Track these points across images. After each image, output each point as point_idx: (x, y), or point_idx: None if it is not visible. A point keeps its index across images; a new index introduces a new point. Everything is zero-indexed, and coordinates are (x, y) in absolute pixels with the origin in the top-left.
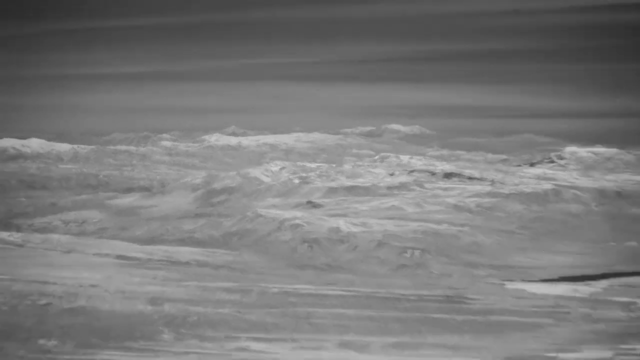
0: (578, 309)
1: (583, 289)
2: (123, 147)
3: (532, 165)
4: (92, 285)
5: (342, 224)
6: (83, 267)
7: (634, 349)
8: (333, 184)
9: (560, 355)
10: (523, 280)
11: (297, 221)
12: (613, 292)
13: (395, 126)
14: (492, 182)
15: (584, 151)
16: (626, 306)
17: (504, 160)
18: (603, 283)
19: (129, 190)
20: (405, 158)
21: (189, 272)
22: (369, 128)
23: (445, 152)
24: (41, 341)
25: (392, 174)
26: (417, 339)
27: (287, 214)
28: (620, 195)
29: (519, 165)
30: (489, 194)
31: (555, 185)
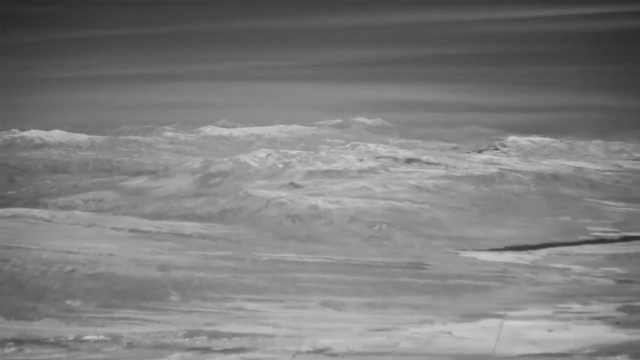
0: (522, 274)
1: (526, 257)
2: (132, 137)
3: (479, 152)
4: (110, 254)
5: (320, 202)
6: (101, 239)
7: (570, 308)
8: (311, 168)
9: (508, 313)
10: (474, 250)
11: (281, 200)
12: (551, 259)
13: (360, 119)
14: (446, 166)
15: (523, 140)
16: (562, 271)
17: (455, 148)
18: (542, 252)
19: (137, 173)
20: (372, 146)
21: (191, 243)
22: (338, 121)
23: (404, 141)
24: (68, 301)
25: (361, 160)
26: (386, 300)
27: (273, 194)
28: (555, 177)
29: (468, 152)
30: (444, 177)
31: (500, 169)
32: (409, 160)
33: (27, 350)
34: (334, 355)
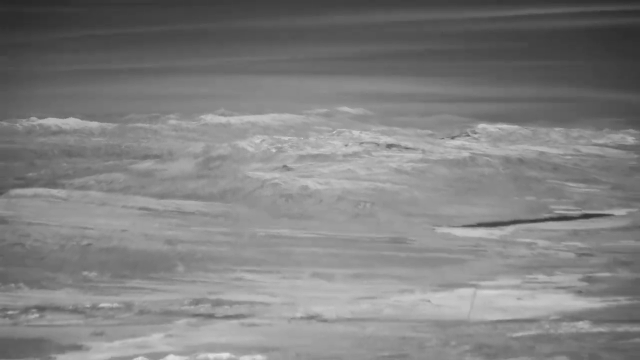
0: (493, 247)
1: (496, 233)
2: (139, 125)
3: (452, 138)
4: (122, 230)
5: (310, 183)
6: (114, 216)
7: (536, 278)
8: (302, 152)
9: (480, 283)
10: (449, 226)
11: (275, 181)
12: (518, 235)
13: (344, 108)
14: (423, 151)
15: (492, 127)
16: (529, 245)
17: (430, 135)
18: (510, 228)
19: (145, 157)
20: (356, 133)
21: (194, 220)
22: (324, 110)
23: (384, 128)
24: (84, 272)
25: (346, 145)
26: (371, 271)
27: (268, 175)
28: (520, 161)
29: (442, 138)
30: (421, 160)
31: (472, 153)
32: (389, 146)
33: (48, 316)
34: (325, 321)
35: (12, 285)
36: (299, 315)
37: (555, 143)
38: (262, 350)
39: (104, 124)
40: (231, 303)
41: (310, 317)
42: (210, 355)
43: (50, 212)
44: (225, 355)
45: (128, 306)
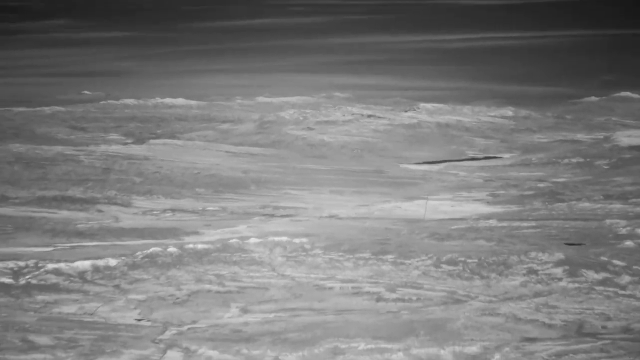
0: (433, 176)
1: (434, 167)
2: (220, 102)
3: (405, 112)
4: (216, 164)
5: (325, 137)
6: (210, 156)
7: (461, 194)
8: (318, 119)
9: (429, 196)
10: (407, 163)
11: (304, 136)
12: (448, 168)
13: (337, 94)
14: (389, 119)
15: (428, 105)
16: (454, 175)
17: (392, 110)
18: (443, 165)
19: (224, 121)
20: (348, 108)
21: (258, 159)
22: (326, 94)
23: (364, 105)
24: (197, 189)
25: (344, 115)
26: (364, 190)
27: (299, 133)
28: (447, 125)
29: (400, 112)
30: (388, 124)
31: (417, 120)
32: (369, 116)
33: (177, 215)
34: (340, 218)
35: (154, 196)
36: (324, 215)
37: (466, 115)
38: (304, 235)
39: (199, 102)
40: (284, 208)
41: (331, 217)
42: (275, 238)
43: (173, 153)
44: (285, 238)
45: (224, 209)
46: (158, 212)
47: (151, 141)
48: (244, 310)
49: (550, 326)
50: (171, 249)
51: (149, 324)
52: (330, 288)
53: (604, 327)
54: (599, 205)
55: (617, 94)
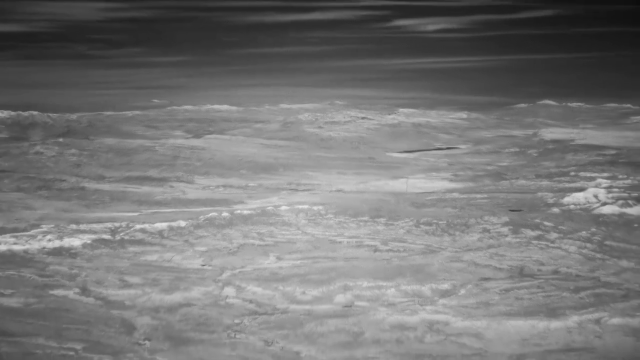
0: (411, 161)
1: (411, 155)
2: (253, 108)
3: (389, 114)
4: (254, 153)
5: (332, 134)
6: (250, 147)
7: (432, 174)
8: (326, 120)
9: (408, 176)
10: (392, 152)
11: (316, 132)
12: (421, 156)
13: (338, 102)
14: (378, 121)
15: (405, 110)
16: (426, 160)
17: (379, 113)
18: (417, 153)
19: (257, 122)
20: (347, 112)
21: (284, 149)
22: (329, 102)
23: (358, 110)
24: (241, 171)
25: (344, 118)
26: (362, 171)
27: (312, 130)
28: (419, 124)
29: (384, 115)
30: (377, 124)
31: (398, 121)
32: (362, 118)
33: (227, 190)
34: (345, 192)
35: (210, 176)
36: (333, 189)
37: (433, 117)
38: (320, 204)
39: (239, 108)
40: (304, 184)
41: (338, 190)
42: (299, 206)
43: (222, 145)
44: (306, 206)
45: (260, 185)
46: (213, 187)
47: (206, 136)
48: (279, 258)
49: (500, 269)
50: (224, 214)
51: (210, 268)
52: (340, 242)
53: (539, 270)
54: (532, 182)
55: (540, 102)
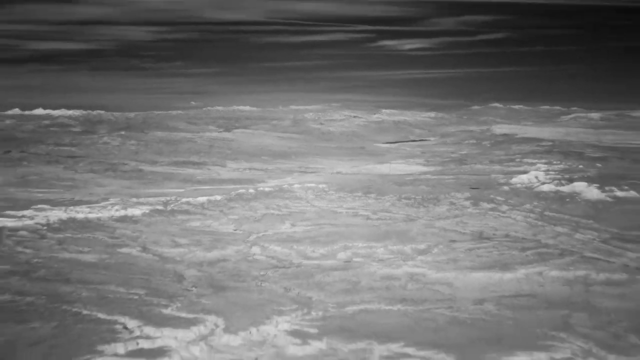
0: (392, 151)
1: (393, 146)
2: (270, 109)
3: (374, 114)
4: (272, 144)
5: (331, 129)
6: (269, 139)
7: (409, 160)
8: (326, 119)
9: (391, 161)
10: (377, 143)
11: (319, 128)
12: (399, 147)
13: (334, 104)
14: (365, 119)
15: (386, 111)
16: (404, 150)
17: (367, 112)
18: (396, 144)
19: (272, 120)
20: (342, 112)
21: (296, 140)
22: (327, 104)
23: (350, 110)
24: (262, 157)
25: (340, 116)
26: (354, 157)
27: (316, 126)
28: (398, 122)
29: (370, 114)
30: (365, 122)
31: (381, 119)
32: (354, 117)
33: (251, 172)
34: (343, 174)
35: (239, 161)
36: (334, 172)
37: (409, 116)
38: (324, 183)
39: (259, 108)
40: (312, 168)
41: (337, 173)
42: (308, 184)
43: (247, 137)
44: (313, 184)
45: (278, 168)
46: (241, 169)
47: (234, 130)
48: (293, 225)
49: (463, 234)
50: (250, 190)
51: (240, 232)
52: (340, 212)
53: (494, 234)
54: (486, 167)
55: (491, 105)
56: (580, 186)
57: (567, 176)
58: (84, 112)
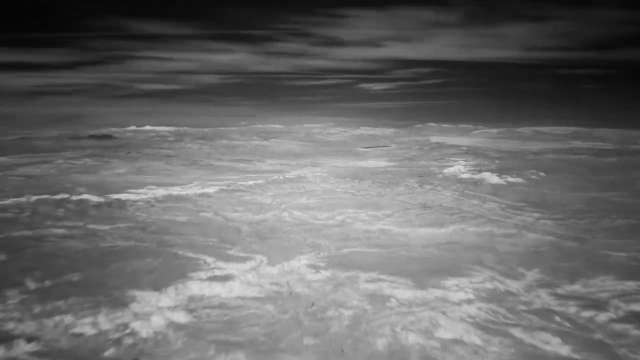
0: (377, 151)
1: (380, 149)
2: (297, 126)
3: (356, 130)
4: (289, 147)
5: (330, 138)
6: (285, 141)
7: (382, 158)
8: (328, 132)
9: (369, 159)
10: (360, 148)
11: (322, 137)
12: (377, 150)
13: (330, 123)
14: (353, 132)
15: (368, 129)
16: (381, 150)
17: (356, 129)
18: (380, 148)
19: (289, 133)
20: (337, 129)
21: (306, 145)
22: (326, 124)
23: (342, 127)
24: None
25: (337, 132)
26: (349, 158)
27: (321, 137)
28: (375, 136)
29: (356, 129)
30: (355, 134)
31: (362, 133)
32: (344, 132)
33: (281, 165)
34: (339, 167)
35: (272, 159)
36: (333, 166)
37: (378, 132)
38: (327, 173)
39: (284, 126)
40: (318, 163)
41: (335, 166)
42: (317, 174)
43: (277, 144)
44: (319, 173)
45: (298, 163)
46: (274, 164)
47: (270, 140)
48: (308, 198)
49: (414, 204)
50: (280, 177)
51: (275, 203)
52: (337, 191)
53: (433, 204)
54: (427, 162)
55: (429, 124)
56: (486, 175)
57: (477, 169)
58: (176, 128)
